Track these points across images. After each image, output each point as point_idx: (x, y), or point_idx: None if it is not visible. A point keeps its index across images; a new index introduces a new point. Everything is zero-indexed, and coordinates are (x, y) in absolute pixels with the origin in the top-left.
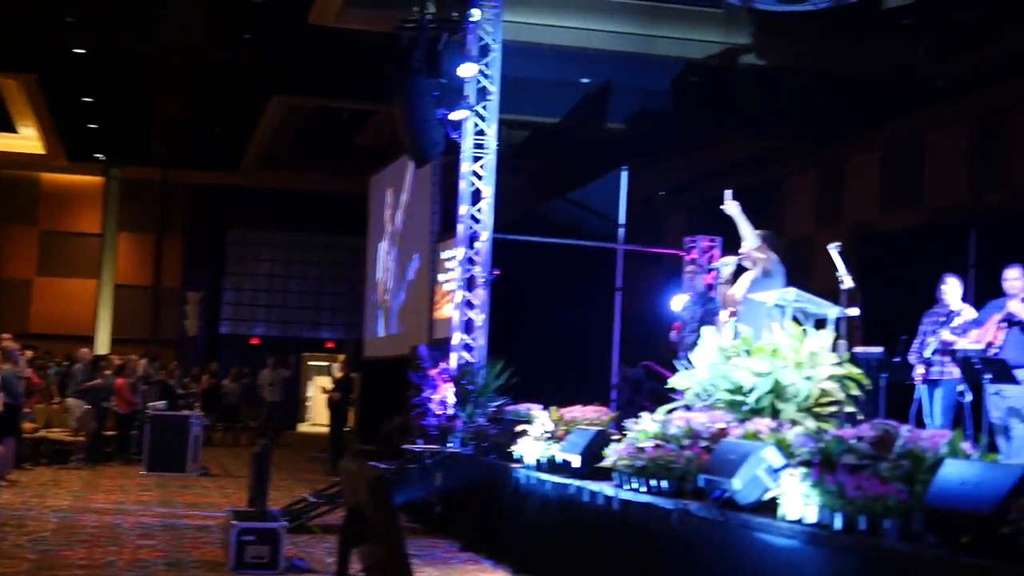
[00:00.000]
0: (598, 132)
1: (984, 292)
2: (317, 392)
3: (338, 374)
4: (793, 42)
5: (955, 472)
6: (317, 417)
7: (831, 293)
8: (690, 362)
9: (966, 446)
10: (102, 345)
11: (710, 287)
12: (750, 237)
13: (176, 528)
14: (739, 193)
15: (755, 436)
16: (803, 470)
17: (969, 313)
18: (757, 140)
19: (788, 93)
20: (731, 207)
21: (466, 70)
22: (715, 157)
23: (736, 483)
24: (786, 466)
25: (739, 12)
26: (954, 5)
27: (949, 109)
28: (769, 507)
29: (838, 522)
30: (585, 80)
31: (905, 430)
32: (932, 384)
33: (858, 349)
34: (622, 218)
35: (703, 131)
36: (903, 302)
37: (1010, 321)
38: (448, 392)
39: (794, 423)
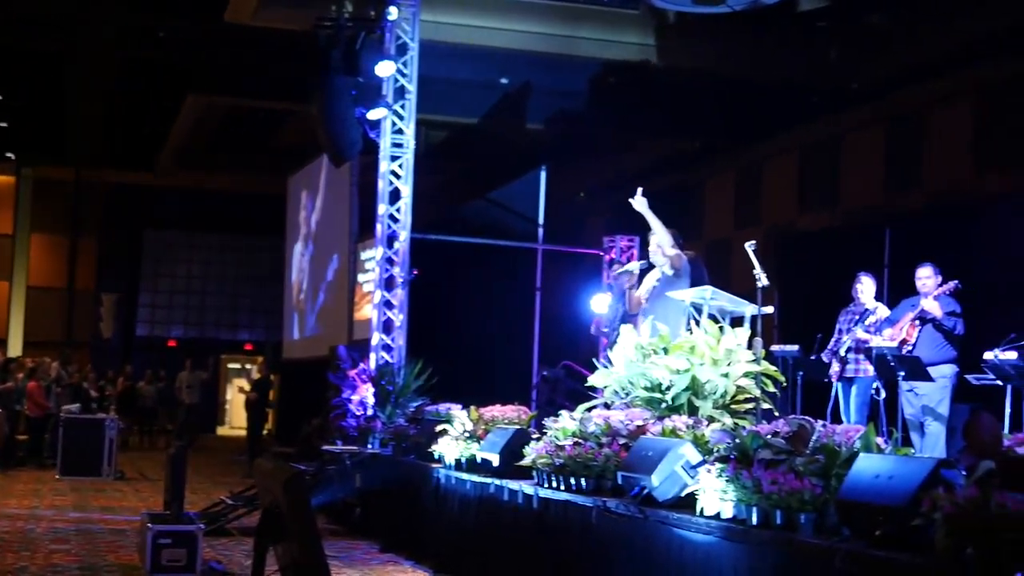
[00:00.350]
0: (517, 133)
1: (898, 290)
2: (236, 395)
3: (256, 376)
4: (710, 44)
5: (868, 466)
6: (236, 420)
7: (750, 292)
8: (609, 360)
9: (879, 441)
10: (14, 348)
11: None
12: (662, 233)
13: (91, 532)
14: (658, 194)
15: (673, 433)
16: (720, 466)
17: (883, 311)
18: (676, 141)
19: (706, 95)
20: (639, 203)
21: (384, 69)
22: (634, 158)
23: (654, 480)
24: (703, 462)
25: (656, 14)
26: (868, 9)
27: (864, 111)
28: (687, 503)
29: (754, 517)
30: (504, 80)
31: (820, 425)
32: (847, 382)
33: (775, 347)
34: (541, 218)
35: (622, 132)
36: (820, 301)
37: (923, 319)
38: (367, 393)
39: (711, 420)
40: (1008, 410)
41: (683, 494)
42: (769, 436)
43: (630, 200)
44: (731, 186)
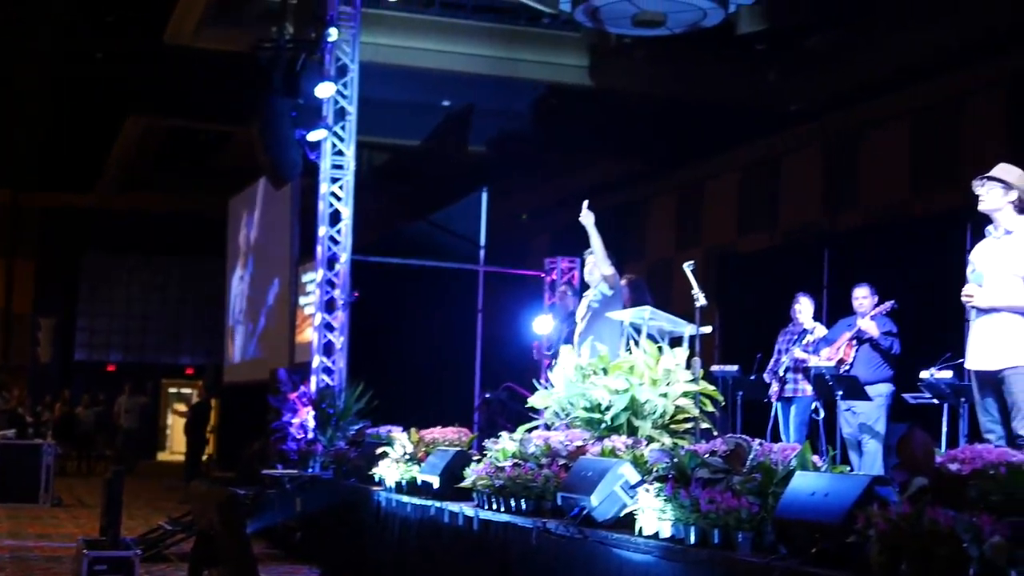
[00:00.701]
0: (459, 154)
1: (837, 310)
2: (176, 419)
3: (196, 399)
4: (651, 66)
5: (804, 484)
6: (177, 445)
7: (692, 313)
8: (549, 382)
9: (816, 459)
10: None
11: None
12: (600, 251)
13: (27, 560)
14: (601, 215)
15: (612, 453)
16: (658, 485)
17: (821, 331)
18: (618, 163)
19: (647, 117)
20: (586, 217)
21: (323, 90)
22: (576, 179)
23: (594, 500)
24: (642, 482)
25: (597, 36)
26: (805, 32)
27: (803, 133)
28: (627, 523)
29: (692, 536)
30: (446, 103)
31: (757, 444)
32: (787, 401)
33: (715, 367)
34: (482, 240)
35: (564, 154)
36: (760, 321)
37: (859, 339)
38: (308, 416)
39: (651, 440)
40: (945, 428)
41: (622, 514)
42: (707, 455)
43: (580, 218)
44: (672, 207)
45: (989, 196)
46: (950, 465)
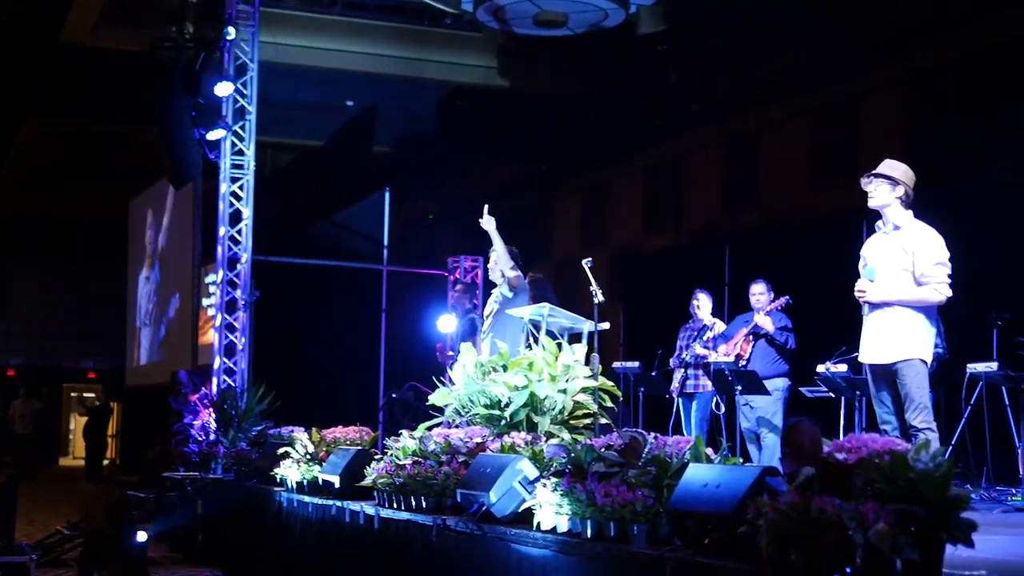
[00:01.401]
0: (364, 155)
1: (738, 307)
2: (78, 424)
3: (96, 403)
4: (555, 67)
5: (697, 476)
6: (79, 450)
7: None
8: (451, 379)
9: (709, 451)
10: None
11: (475, 306)
12: (502, 253)
13: None
14: (507, 216)
15: (512, 449)
16: (555, 480)
17: (720, 327)
18: (523, 163)
19: (552, 117)
20: (487, 222)
21: (222, 89)
22: (483, 180)
23: (492, 496)
24: (540, 477)
25: (499, 37)
26: (705, 33)
27: (705, 133)
28: (525, 518)
29: (589, 530)
30: (350, 103)
31: (652, 438)
32: (688, 397)
33: (617, 364)
34: (386, 239)
35: (470, 154)
36: (663, 318)
37: (756, 334)
38: (209, 418)
39: (550, 436)
40: (842, 422)
41: (521, 509)
42: (603, 450)
43: (481, 222)
44: (578, 207)
45: (877, 193)
46: (836, 455)
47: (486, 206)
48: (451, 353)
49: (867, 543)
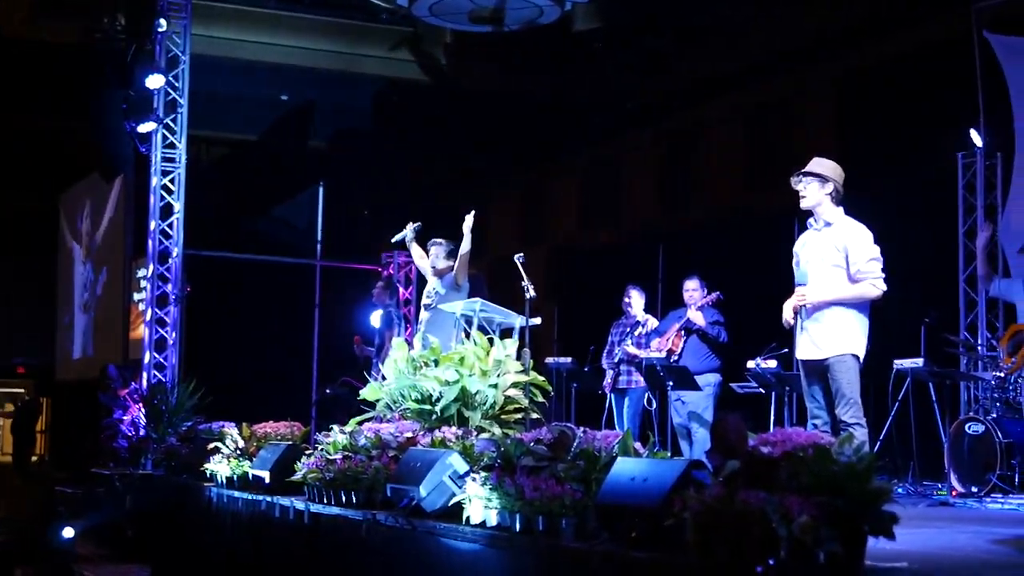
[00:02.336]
0: (299, 150)
1: (672, 303)
2: (5, 421)
3: (20, 401)
4: (491, 63)
5: (625, 470)
6: (7, 446)
7: (533, 307)
8: (381, 374)
9: (637, 445)
10: None
11: (398, 302)
12: (465, 260)
13: None
14: (443, 212)
15: (442, 444)
16: (484, 474)
17: (652, 323)
18: (460, 160)
19: (489, 114)
20: (468, 224)
21: (154, 82)
22: (419, 176)
23: (422, 491)
24: (469, 472)
25: (434, 32)
26: (641, 31)
27: (641, 132)
28: (455, 512)
29: (518, 524)
30: (284, 97)
31: (581, 432)
32: (620, 393)
33: (550, 359)
34: (319, 234)
35: (406, 150)
36: (598, 315)
37: (688, 329)
38: (139, 413)
39: (480, 430)
40: (772, 417)
41: (451, 504)
42: (532, 444)
43: (463, 227)
44: (515, 204)
45: (808, 191)
46: (762, 448)
47: (472, 213)
48: (369, 347)
49: (790, 535)
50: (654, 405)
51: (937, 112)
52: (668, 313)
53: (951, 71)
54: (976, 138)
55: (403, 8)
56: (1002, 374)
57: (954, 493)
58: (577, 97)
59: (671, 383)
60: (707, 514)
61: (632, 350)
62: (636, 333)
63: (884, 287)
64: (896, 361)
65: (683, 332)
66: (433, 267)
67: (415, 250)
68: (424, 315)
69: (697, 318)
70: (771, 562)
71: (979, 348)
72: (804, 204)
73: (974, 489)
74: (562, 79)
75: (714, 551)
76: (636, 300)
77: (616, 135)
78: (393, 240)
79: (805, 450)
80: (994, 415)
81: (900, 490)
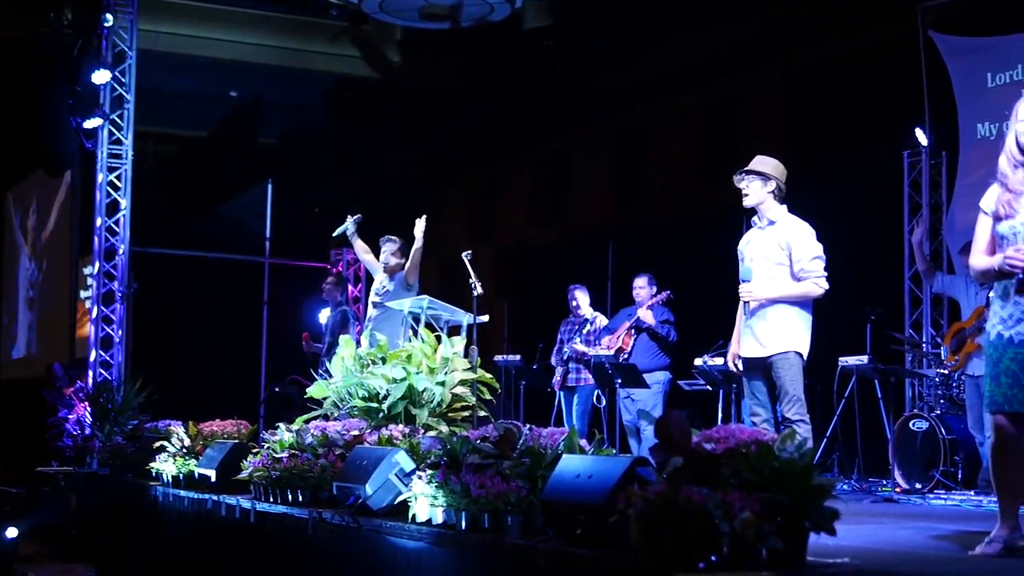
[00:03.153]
0: (248, 146)
1: (622, 301)
2: None
3: None
4: (442, 61)
5: (570, 467)
6: None
7: (482, 305)
8: (329, 372)
9: (583, 442)
10: None
11: (347, 299)
12: (417, 262)
13: None
14: (393, 210)
15: (389, 442)
16: (430, 472)
17: (602, 321)
18: (410, 157)
19: (439, 111)
20: (420, 227)
21: (100, 77)
22: (370, 173)
23: (368, 489)
24: (416, 469)
25: (385, 29)
26: (591, 29)
27: (592, 130)
28: (401, 510)
29: (463, 521)
30: (233, 93)
31: (527, 429)
32: (569, 391)
33: (498, 357)
34: (268, 232)
35: (357, 147)
36: (548, 313)
37: (638, 328)
38: (85, 411)
39: (428, 428)
40: (720, 414)
41: (397, 502)
42: (478, 441)
43: (415, 230)
44: (466, 202)
45: (751, 190)
46: (705, 445)
47: (423, 217)
48: (318, 344)
49: (733, 531)
50: (603, 403)
51: (884, 111)
52: (619, 311)
53: (898, 70)
54: (921, 137)
55: (353, 5)
56: (946, 371)
57: (898, 489)
58: (527, 95)
59: (620, 381)
60: (650, 511)
61: (581, 348)
62: (585, 331)
63: (826, 286)
64: (841, 358)
65: (633, 330)
66: (385, 264)
67: (358, 244)
68: (372, 312)
69: (647, 316)
70: (713, 558)
71: (924, 345)
72: (747, 202)
73: (918, 485)
74: (512, 77)
75: (657, 547)
76: (582, 299)
77: (566, 133)
78: (335, 234)
79: (748, 447)
80: (938, 412)
81: (845, 487)
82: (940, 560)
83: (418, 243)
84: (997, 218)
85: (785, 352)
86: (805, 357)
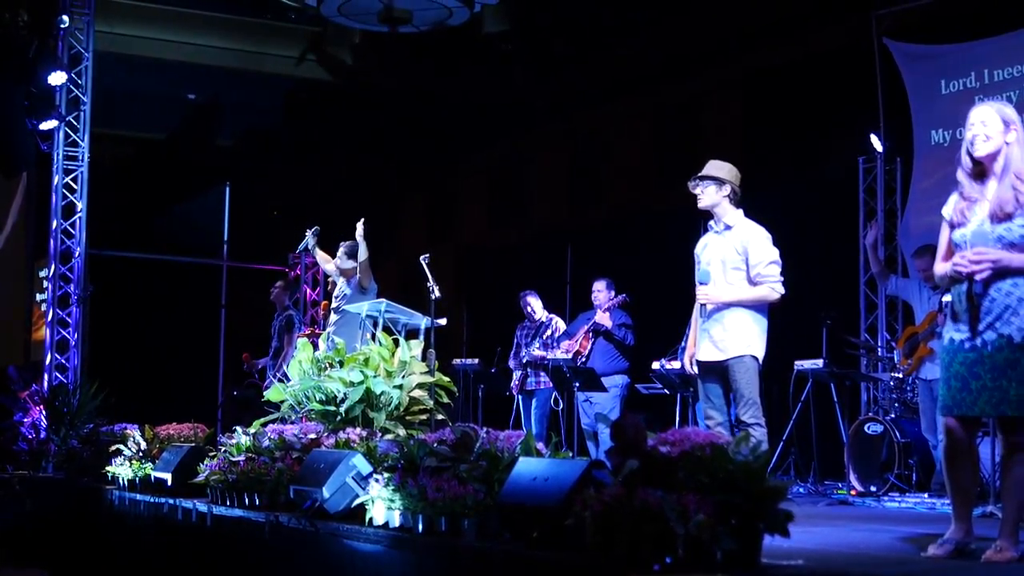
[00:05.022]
0: (206, 149)
1: (580, 304)
2: None
3: None
4: (402, 63)
5: (527, 470)
6: None
7: (441, 308)
8: (286, 375)
9: (540, 445)
10: None
11: (294, 304)
12: (366, 265)
13: None
14: (352, 212)
15: (346, 445)
16: (387, 475)
17: (560, 324)
18: (369, 160)
19: (397, 114)
20: (360, 232)
21: (56, 79)
22: (329, 175)
23: (325, 492)
24: (373, 473)
25: (343, 32)
26: (549, 32)
27: (550, 132)
28: (358, 514)
29: (420, 524)
30: (191, 96)
31: (484, 432)
32: (527, 395)
33: (456, 361)
34: (226, 234)
35: (315, 149)
36: (507, 316)
37: (596, 331)
38: (40, 415)
39: (385, 431)
40: (677, 417)
41: (354, 505)
42: (435, 444)
43: (356, 235)
44: (424, 204)
45: (705, 194)
46: (660, 448)
47: (362, 221)
48: (262, 359)
49: (688, 533)
50: (561, 406)
51: (839, 117)
52: (578, 316)
53: (853, 77)
54: (876, 143)
55: (311, 8)
56: (900, 375)
57: (853, 492)
58: (485, 97)
59: (577, 384)
60: (606, 513)
61: (539, 354)
62: (545, 336)
63: (783, 290)
64: (797, 362)
65: (591, 334)
66: (340, 268)
67: (319, 255)
68: (332, 317)
69: (604, 320)
70: (668, 560)
71: (878, 349)
72: (701, 205)
73: (873, 488)
74: (470, 80)
75: (613, 549)
76: (534, 303)
77: (524, 135)
78: (297, 250)
79: (703, 449)
80: (892, 415)
81: (801, 489)
82: (893, 561)
83: (361, 246)
84: (952, 226)
85: (741, 356)
86: (761, 361)
